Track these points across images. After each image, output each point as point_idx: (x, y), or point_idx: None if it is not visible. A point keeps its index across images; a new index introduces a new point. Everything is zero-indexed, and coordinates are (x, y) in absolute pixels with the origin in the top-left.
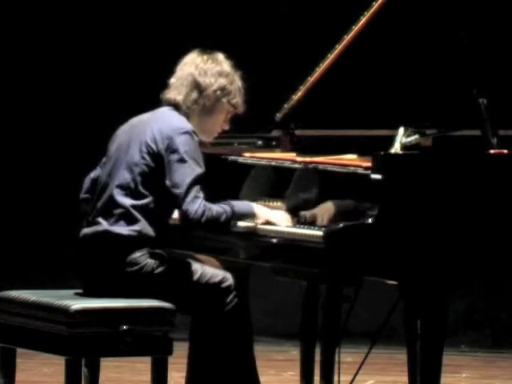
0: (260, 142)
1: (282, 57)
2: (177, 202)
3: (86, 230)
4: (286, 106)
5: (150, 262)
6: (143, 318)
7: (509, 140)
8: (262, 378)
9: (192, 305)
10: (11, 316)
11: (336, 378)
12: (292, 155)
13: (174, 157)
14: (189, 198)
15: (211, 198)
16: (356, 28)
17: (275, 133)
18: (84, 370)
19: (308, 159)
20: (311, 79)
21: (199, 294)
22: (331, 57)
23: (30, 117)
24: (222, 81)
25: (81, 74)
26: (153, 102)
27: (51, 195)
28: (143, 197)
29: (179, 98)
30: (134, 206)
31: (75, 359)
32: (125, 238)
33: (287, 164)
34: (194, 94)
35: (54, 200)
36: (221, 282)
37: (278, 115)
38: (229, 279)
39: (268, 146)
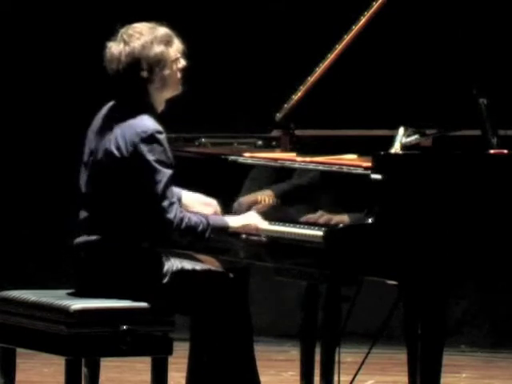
0: (260, 142)
1: (282, 57)
2: (151, 210)
3: (78, 240)
4: (285, 105)
5: (148, 265)
6: (143, 318)
7: (509, 140)
8: (262, 378)
9: (192, 305)
10: (11, 316)
11: (336, 378)
12: (292, 155)
13: (141, 165)
14: (165, 205)
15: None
16: (356, 28)
17: (275, 133)
18: (84, 369)
19: (308, 159)
20: (311, 79)
21: (199, 294)
22: (331, 57)
23: (32, 117)
24: (148, 58)
25: (77, 71)
26: None
27: (52, 195)
28: (121, 205)
29: (132, 97)
30: (116, 215)
31: (75, 359)
32: (117, 247)
33: (287, 164)
34: (142, 90)
35: (54, 200)
36: (220, 281)
37: (278, 115)
38: (228, 279)
39: (268, 145)
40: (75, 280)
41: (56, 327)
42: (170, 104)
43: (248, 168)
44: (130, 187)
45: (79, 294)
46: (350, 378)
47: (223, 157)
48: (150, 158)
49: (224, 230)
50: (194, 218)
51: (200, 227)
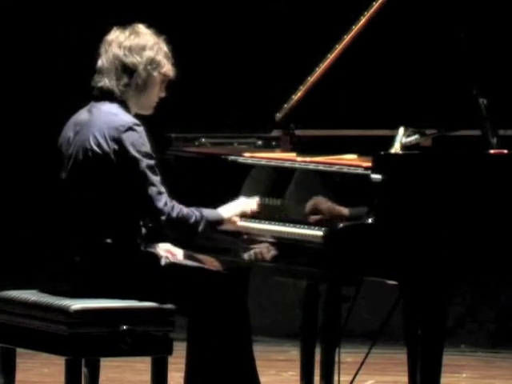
0: (260, 142)
1: (282, 57)
2: (142, 203)
3: (71, 244)
4: (285, 106)
5: (144, 264)
6: (143, 318)
7: (509, 140)
8: (261, 378)
9: (190, 305)
10: (11, 316)
11: (336, 378)
12: (292, 155)
13: (125, 159)
14: (154, 194)
15: (211, 197)
16: (356, 28)
17: (275, 133)
18: (84, 370)
19: (308, 159)
20: (311, 79)
21: (198, 294)
22: (331, 57)
23: (32, 117)
24: (149, 54)
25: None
26: None
27: (52, 195)
28: (110, 201)
29: (111, 85)
30: (106, 212)
31: (75, 359)
32: (113, 247)
33: (287, 164)
34: (125, 78)
35: (54, 200)
36: (220, 281)
37: (278, 115)
38: (228, 279)
39: (268, 145)
40: (70, 283)
41: (56, 327)
42: (171, 104)
43: (248, 168)
44: (117, 182)
45: (77, 294)
46: (350, 378)
47: (223, 157)
48: (132, 151)
49: (219, 223)
50: (186, 210)
51: (192, 219)
